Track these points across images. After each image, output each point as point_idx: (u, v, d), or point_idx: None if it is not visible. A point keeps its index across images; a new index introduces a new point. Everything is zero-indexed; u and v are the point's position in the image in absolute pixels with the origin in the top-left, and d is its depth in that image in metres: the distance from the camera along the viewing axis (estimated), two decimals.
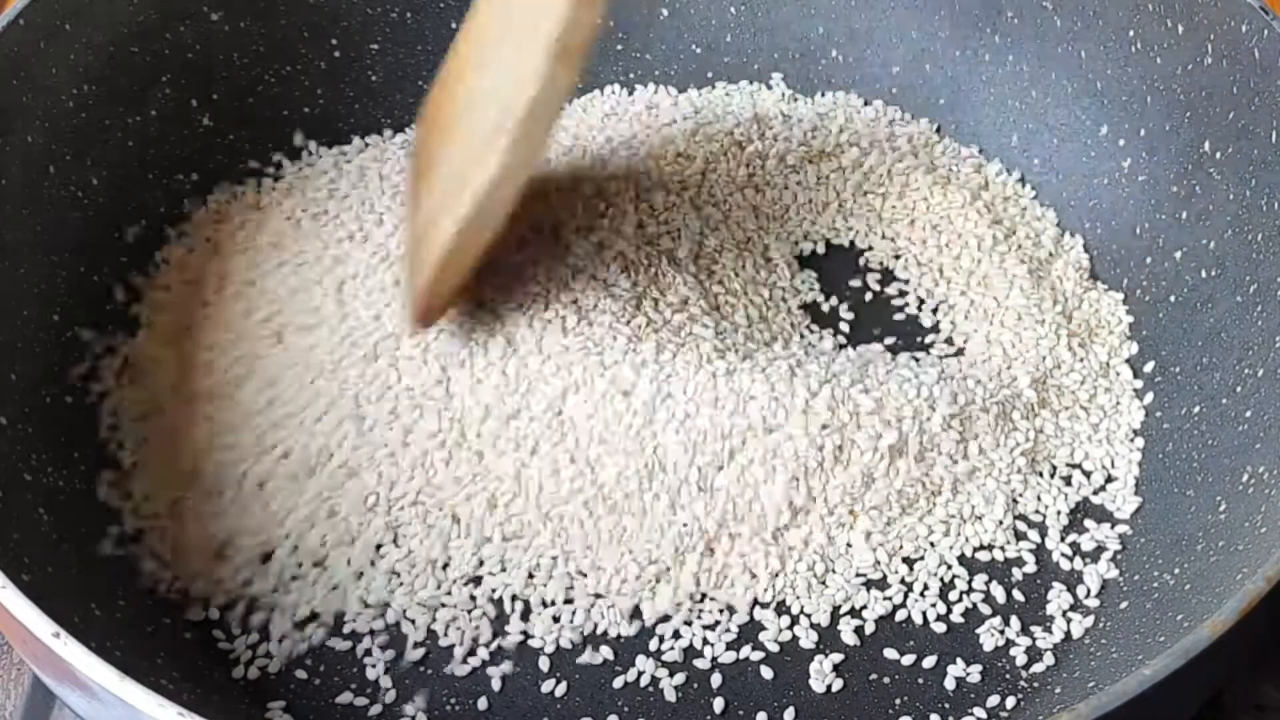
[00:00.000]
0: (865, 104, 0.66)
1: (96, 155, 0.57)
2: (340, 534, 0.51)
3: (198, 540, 0.51)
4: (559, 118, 0.51)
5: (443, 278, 0.51)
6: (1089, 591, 0.51)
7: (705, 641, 0.49)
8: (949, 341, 0.58)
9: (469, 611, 0.50)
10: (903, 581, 0.51)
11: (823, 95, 0.66)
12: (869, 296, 0.60)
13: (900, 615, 0.50)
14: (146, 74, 0.60)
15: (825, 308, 0.60)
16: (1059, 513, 0.53)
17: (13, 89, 0.53)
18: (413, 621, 0.50)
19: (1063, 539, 0.52)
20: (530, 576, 0.50)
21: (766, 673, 0.49)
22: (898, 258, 0.61)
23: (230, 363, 0.55)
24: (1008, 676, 0.49)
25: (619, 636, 0.49)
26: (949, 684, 0.49)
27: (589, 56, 0.46)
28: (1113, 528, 0.53)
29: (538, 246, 0.56)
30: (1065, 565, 0.52)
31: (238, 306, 0.57)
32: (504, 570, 0.51)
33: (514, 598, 0.50)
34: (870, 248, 0.62)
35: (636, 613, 0.50)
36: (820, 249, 0.61)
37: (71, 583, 0.47)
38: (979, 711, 0.48)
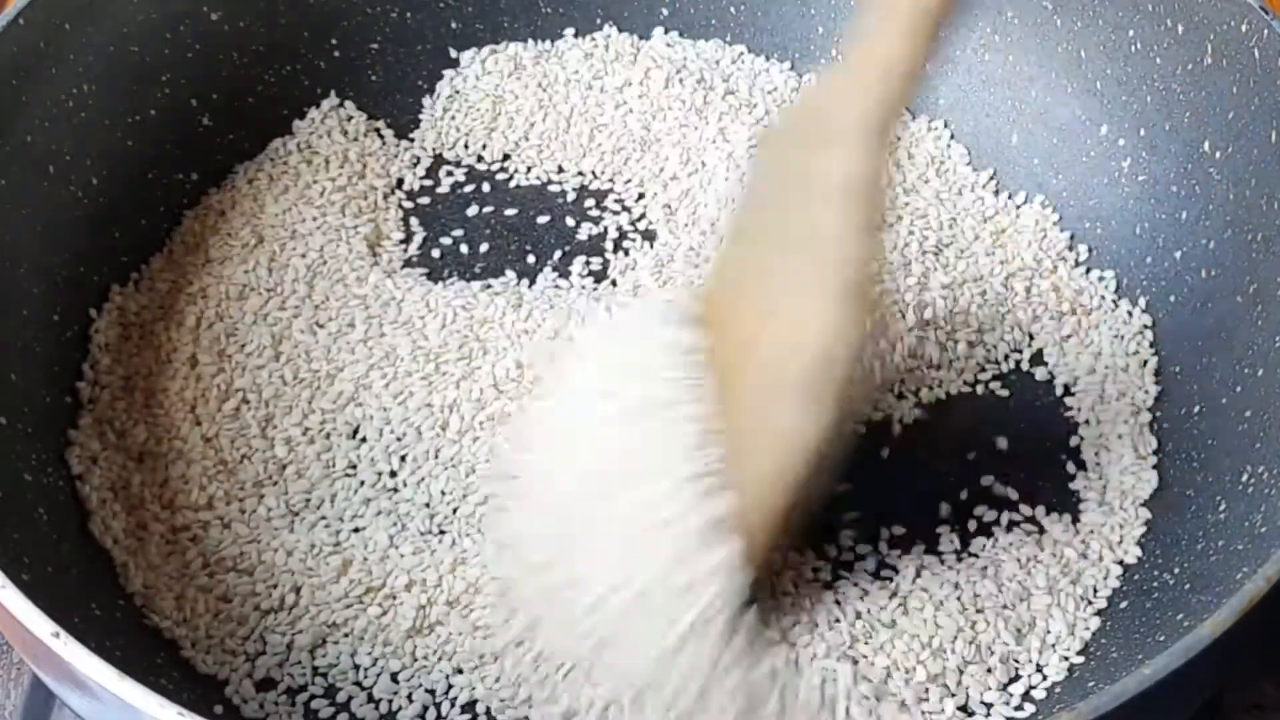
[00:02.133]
0: None
1: (96, 155, 0.57)
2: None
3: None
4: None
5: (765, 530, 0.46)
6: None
7: None
8: None
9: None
10: None
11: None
12: None
13: None
14: (146, 74, 0.60)
15: None
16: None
17: (12, 89, 0.53)
18: None
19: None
20: None
21: None
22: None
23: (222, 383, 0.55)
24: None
25: None
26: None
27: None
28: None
29: None
30: None
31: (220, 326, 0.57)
32: None
33: None
34: None
35: None
36: None
37: (71, 583, 0.47)
38: (979, 711, 0.48)
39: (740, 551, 0.45)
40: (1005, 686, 0.48)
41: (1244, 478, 0.49)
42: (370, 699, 0.48)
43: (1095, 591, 0.51)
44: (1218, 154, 0.56)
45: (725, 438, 0.46)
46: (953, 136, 0.65)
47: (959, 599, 0.49)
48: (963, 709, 0.48)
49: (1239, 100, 0.54)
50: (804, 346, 0.44)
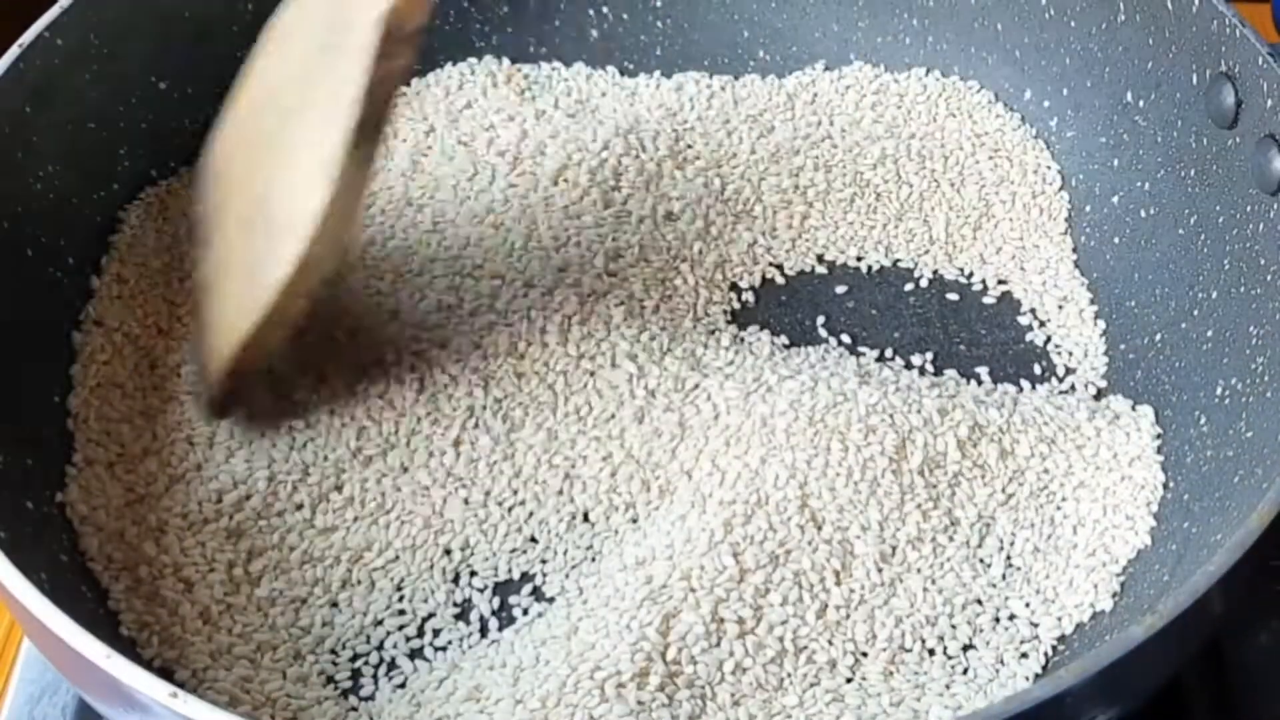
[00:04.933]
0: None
1: (69, 235, 0.57)
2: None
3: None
4: (357, 212, 0.51)
5: (238, 368, 0.53)
6: None
7: None
8: None
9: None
10: None
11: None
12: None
13: None
14: (106, 149, 0.60)
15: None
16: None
17: None
18: None
19: None
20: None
21: None
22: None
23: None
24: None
25: None
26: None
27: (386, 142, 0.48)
28: None
29: None
30: None
31: None
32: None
33: None
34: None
35: None
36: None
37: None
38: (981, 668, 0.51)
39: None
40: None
41: (1218, 391, 0.53)
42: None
43: None
44: (1141, 102, 0.60)
45: (210, 269, 0.54)
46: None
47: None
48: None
49: (1156, 50, 0.58)
50: (299, 194, 0.48)
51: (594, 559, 0.53)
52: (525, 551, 0.53)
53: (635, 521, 0.53)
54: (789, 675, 0.49)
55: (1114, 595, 0.51)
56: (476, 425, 0.55)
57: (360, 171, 0.48)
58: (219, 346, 0.53)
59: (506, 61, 0.69)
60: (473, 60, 0.69)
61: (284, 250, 0.49)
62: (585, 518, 0.54)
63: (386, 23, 0.47)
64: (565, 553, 0.53)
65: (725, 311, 0.61)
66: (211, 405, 0.55)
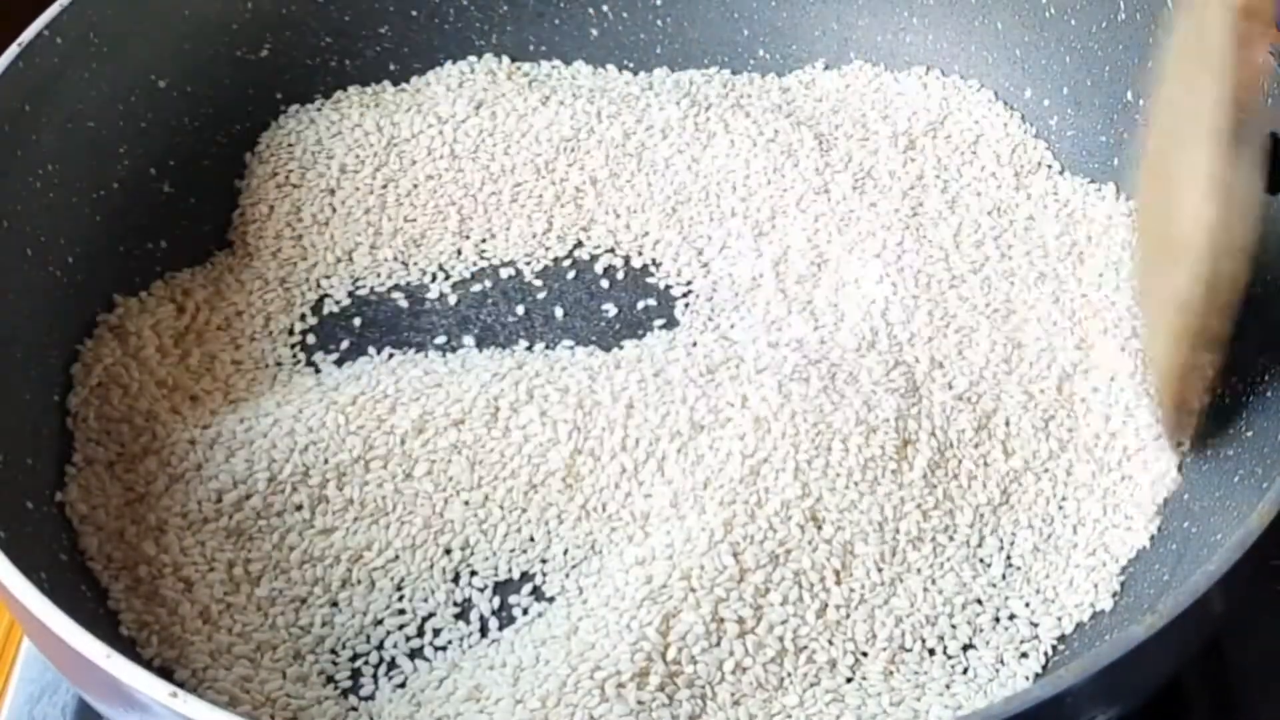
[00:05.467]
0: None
1: (68, 233, 0.57)
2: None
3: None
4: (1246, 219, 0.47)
5: (1175, 401, 0.51)
6: None
7: None
8: None
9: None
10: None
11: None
12: None
13: None
14: (105, 147, 0.60)
15: None
16: None
17: None
18: None
19: None
20: None
21: None
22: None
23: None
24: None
25: None
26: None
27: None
28: None
29: None
30: None
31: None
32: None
33: None
34: None
35: None
36: None
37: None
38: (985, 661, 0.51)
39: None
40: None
41: (1218, 391, 0.53)
42: None
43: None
44: (1141, 101, 0.60)
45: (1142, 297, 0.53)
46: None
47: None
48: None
49: (1157, 49, 0.58)
50: (1188, 214, 0.46)
51: (594, 558, 0.53)
52: (525, 551, 0.53)
53: (635, 521, 0.53)
54: (789, 675, 0.49)
55: (1114, 595, 0.51)
56: (478, 424, 0.55)
57: (1240, 176, 0.45)
58: (1155, 381, 0.52)
59: (507, 60, 0.69)
60: (473, 59, 0.69)
61: (1183, 272, 0.47)
62: (585, 517, 0.54)
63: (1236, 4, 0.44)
64: (565, 552, 0.53)
65: (720, 310, 0.61)
66: (1169, 436, 0.53)
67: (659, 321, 0.61)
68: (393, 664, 0.51)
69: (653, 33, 0.70)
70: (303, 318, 0.61)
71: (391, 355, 0.60)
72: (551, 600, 0.52)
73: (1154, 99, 0.53)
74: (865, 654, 0.49)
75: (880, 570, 0.51)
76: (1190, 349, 0.48)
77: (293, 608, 0.51)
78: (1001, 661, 0.50)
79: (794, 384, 0.55)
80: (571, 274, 0.63)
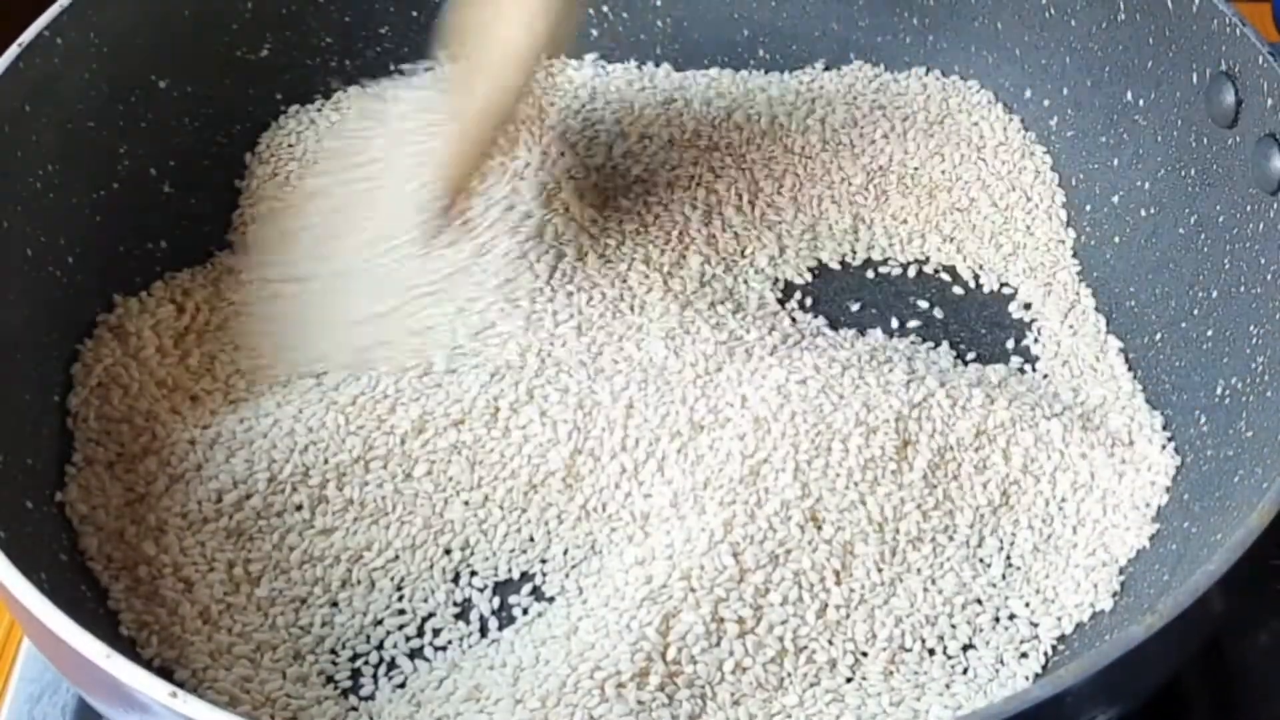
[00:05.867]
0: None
1: (68, 234, 0.57)
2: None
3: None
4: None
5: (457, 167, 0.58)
6: None
7: None
8: None
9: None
10: None
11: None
12: None
13: None
14: (105, 147, 0.60)
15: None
16: None
17: None
18: None
19: None
20: None
21: None
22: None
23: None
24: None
25: None
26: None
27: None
28: None
29: None
30: None
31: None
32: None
33: None
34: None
35: None
36: None
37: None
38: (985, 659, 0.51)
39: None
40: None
41: (1218, 391, 0.53)
42: None
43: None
44: (1141, 101, 0.60)
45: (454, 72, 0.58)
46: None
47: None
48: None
49: (1156, 49, 0.58)
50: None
51: (594, 558, 0.53)
52: (525, 551, 0.53)
53: (635, 521, 0.53)
54: (789, 675, 0.49)
55: (1114, 595, 0.51)
56: (478, 425, 0.55)
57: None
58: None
59: None
60: None
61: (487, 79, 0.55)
62: (585, 517, 0.54)
63: None
64: (565, 553, 0.53)
65: (721, 313, 0.61)
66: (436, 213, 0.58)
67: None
68: (393, 664, 0.51)
69: (653, 33, 0.70)
70: None
71: None
72: (551, 600, 0.52)
73: None
74: (865, 654, 0.49)
75: (880, 570, 0.51)
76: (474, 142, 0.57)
77: (293, 608, 0.51)
78: (1001, 661, 0.50)
79: (794, 384, 0.55)
80: None
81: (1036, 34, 0.64)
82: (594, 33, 0.70)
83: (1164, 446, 0.54)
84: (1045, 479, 0.54)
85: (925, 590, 0.51)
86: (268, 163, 0.65)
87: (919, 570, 0.51)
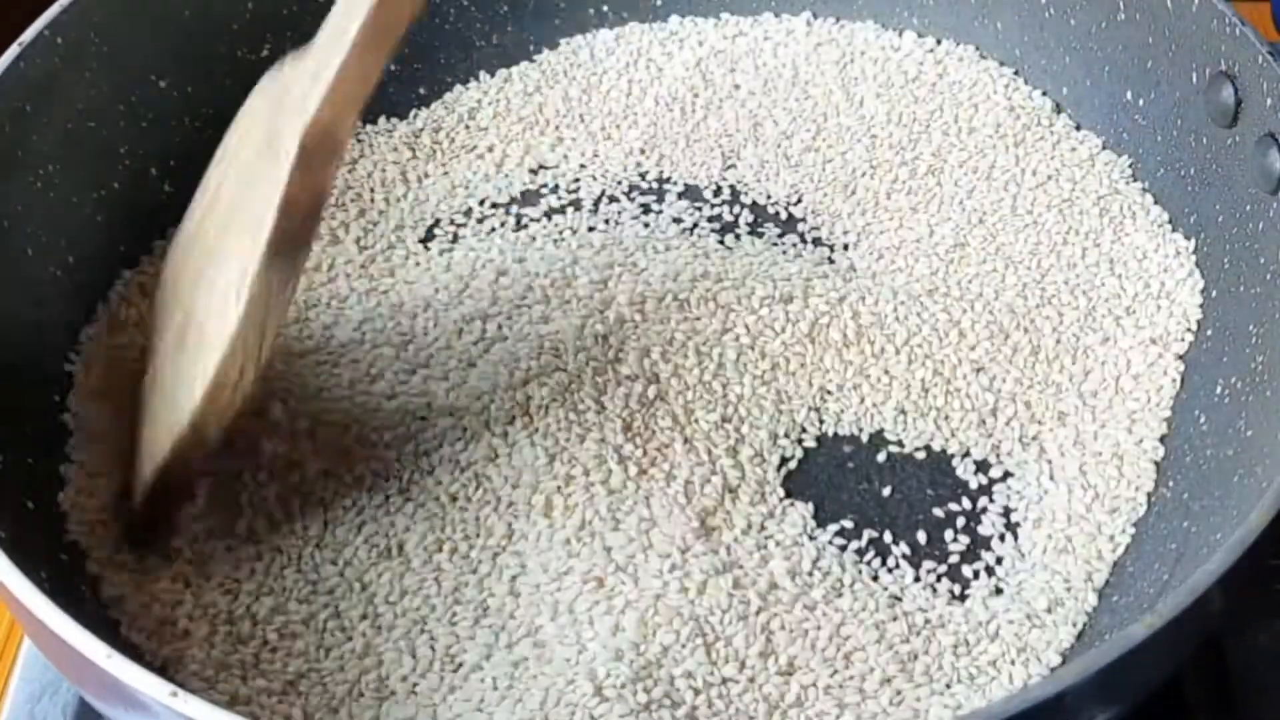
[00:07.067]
0: None
1: (69, 234, 0.57)
2: None
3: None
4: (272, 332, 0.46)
5: (154, 495, 0.50)
6: None
7: None
8: None
9: None
10: None
11: None
12: None
13: None
14: (106, 147, 0.60)
15: None
16: None
17: None
18: None
19: None
20: None
21: None
22: None
23: None
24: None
25: None
26: None
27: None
28: None
29: None
30: None
31: None
32: None
33: None
34: None
35: None
36: None
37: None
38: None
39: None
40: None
41: (1218, 390, 0.53)
42: None
43: None
44: (1141, 101, 0.60)
45: (145, 386, 0.50)
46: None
47: None
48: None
49: (1156, 49, 0.58)
50: (218, 311, 0.45)
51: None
52: None
53: None
54: (789, 675, 0.49)
55: (1114, 595, 0.51)
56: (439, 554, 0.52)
57: (277, 290, 0.44)
58: (141, 470, 0.50)
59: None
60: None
61: (201, 370, 0.46)
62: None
63: (307, 135, 0.43)
64: None
65: None
66: (130, 532, 0.51)
67: None
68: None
69: None
70: None
71: None
72: None
73: (211, 168, 0.51)
74: (865, 653, 0.49)
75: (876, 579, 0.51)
76: (182, 449, 0.47)
77: None
78: (1001, 661, 0.50)
79: None
80: None
81: (1036, 34, 0.64)
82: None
83: (1163, 446, 0.54)
84: (1044, 479, 0.54)
85: (924, 590, 0.51)
86: None
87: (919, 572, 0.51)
